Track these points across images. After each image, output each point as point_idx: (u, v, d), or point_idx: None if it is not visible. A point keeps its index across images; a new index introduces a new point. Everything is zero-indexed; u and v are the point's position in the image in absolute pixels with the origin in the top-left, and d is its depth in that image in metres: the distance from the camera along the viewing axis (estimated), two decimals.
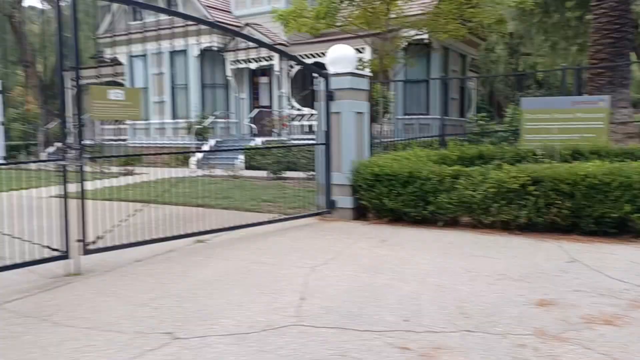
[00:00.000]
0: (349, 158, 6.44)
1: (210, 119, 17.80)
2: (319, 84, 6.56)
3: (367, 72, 6.71)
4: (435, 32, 10.43)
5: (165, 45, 19.24)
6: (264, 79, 18.81)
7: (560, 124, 7.96)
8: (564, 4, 13.72)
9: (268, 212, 6.96)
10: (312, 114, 16.34)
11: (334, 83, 6.45)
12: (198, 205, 7.40)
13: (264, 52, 17.51)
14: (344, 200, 6.53)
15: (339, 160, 6.53)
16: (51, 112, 28.35)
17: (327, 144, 6.54)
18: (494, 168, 5.68)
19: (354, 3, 8.44)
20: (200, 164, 16.74)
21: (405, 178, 5.89)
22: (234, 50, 18.21)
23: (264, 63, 17.79)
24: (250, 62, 18.03)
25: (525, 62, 30.47)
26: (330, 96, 6.46)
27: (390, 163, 6.13)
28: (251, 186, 9.63)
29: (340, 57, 6.47)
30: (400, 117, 17.71)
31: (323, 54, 17.69)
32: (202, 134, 17.73)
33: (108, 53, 21.61)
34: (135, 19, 20.39)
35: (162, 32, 19.04)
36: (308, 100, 17.12)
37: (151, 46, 19.63)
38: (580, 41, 14.09)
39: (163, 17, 19.47)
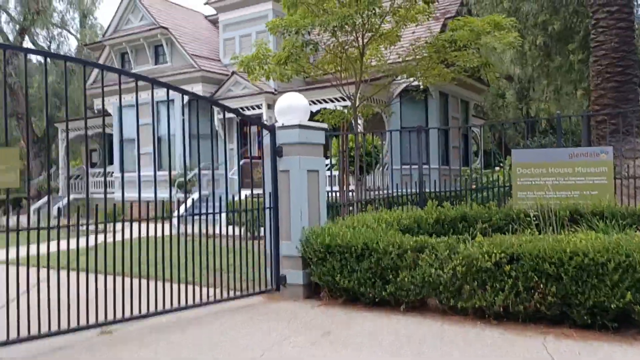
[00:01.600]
0: (300, 224, 5.55)
1: (194, 172, 17.14)
2: (266, 138, 5.78)
3: (321, 124, 5.91)
4: (418, 78, 9.70)
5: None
6: (253, 128, 18.24)
7: (557, 180, 7.04)
8: (566, 47, 13.07)
9: (215, 285, 6.01)
10: None
11: (282, 137, 5.66)
12: (136, 276, 6.49)
13: (251, 100, 17.08)
14: (295, 275, 5.59)
15: (289, 226, 5.64)
16: (43, 164, 28.14)
17: (275, 208, 5.68)
18: (464, 240, 4.74)
19: (319, 48, 7.76)
20: (182, 220, 15.97)
21: (360, 250, 4.97)
22: (223, 99, 17.76)
23: (253, 112, 17.27)
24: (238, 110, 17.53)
25: (537, 107, 29.81)
26: (277, 152, 5.65)
27: (345, 231, 5.22)
28: (215, 248, 8.72)
29: (288, 106, 5.71)
30: (396, 167, 16.93)
31: (313, 102, 17.19)
32: (185, 187, 17.04)
33: (97, 104, 21.42)
34: (122, 67, 20.22)
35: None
36: None
37: (139, 96, 19.35)
38: (586, 85, 13.34)
39: (152, 66, 19.33)
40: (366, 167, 13.38)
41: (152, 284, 5.14)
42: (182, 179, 16.98)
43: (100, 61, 20.85)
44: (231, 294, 5.56)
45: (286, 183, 5.64)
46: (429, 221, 6.44)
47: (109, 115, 20.95)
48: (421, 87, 16.36)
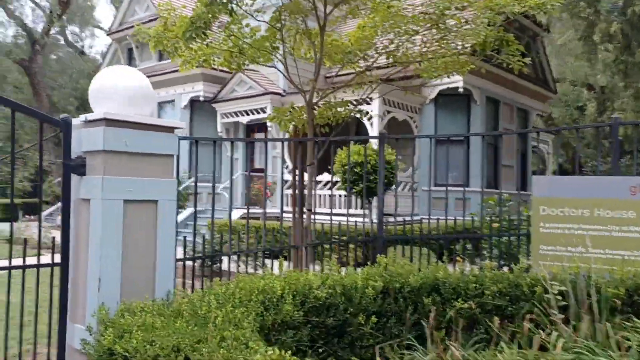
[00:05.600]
0: (97, 297, 3.21)
1: (187, 183, 15.21)
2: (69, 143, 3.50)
3: (168, 120, 3.58)
4: (419, 69, 7.04)
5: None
6: (259, 135, 16.15)
7: (608, 230, 4.27)
8: None
9: None
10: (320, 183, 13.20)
11: (86, 140, 3.36)
12: None
13: (256, 102, 14.98)
14: None
15: (84, 299, 3.32)
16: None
17: (65, 264, 3.38)
18: None
19: (234, 11, 5.29)
20: None
21: None
22: (225, 101, 15.81)
23: (257, 116, 15.15)
24: (242, 114, 15.49)
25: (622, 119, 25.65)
26: (74, 167, 3.36)
27: (150, 323, 2.83)
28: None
29: (99, 89, 3.42)
30: (428, 188, 14.17)
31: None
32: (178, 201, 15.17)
33: None
34: (129, 65, 18.84)
35: (153, 79, 17.23)
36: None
37: (157, 93, 17.83)
38: None
39: (155, 63, 17.77)
40: (369, 188, 10.85)
41: None
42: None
43: (107, 60, 19.68)
44: None
45: (86, 222, 3.33)
46: (368, 293, 3.89)
47: None
48: (459, 89, 13.69)
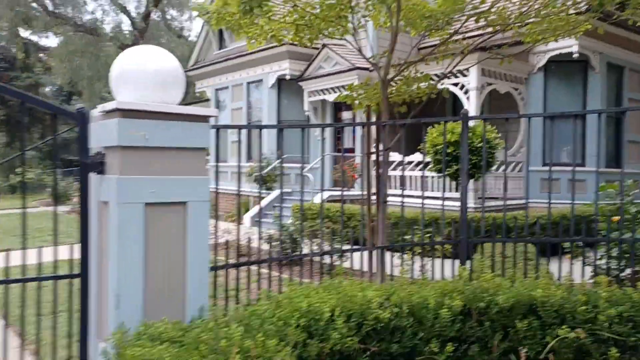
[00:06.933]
0: (117, 316, 2.82)
1: (274, 164, 15.01)
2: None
3: (204, 109, 3.09)
4: (519, 33, 5.96)
5: (244, 75, 17.35)
6: (347, 114, 15.50)
7: None
8: None
9: None
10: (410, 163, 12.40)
11: (103, 134, 2.95)
12: None
13: (344, 79, 14.30)
14: None
15: (105, 314, 2.95)
16: None
17: (85, 275, 3.02)
18: None
19: None
20: (253, 221, 14.03)
21: None
22: (311, 79, 15.31)
23: (344, 93, 14.48)
24: (328, 92, 14.91)
25: None
26: (92, 164, 2.96)
27: (158, 357, 2.36)
28: None
29: (120, 74, 2.98)
30: (536, 168, 12.80)
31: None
32: (265, 182, 15.06)
33: (197, 87, 20.53)
34: (220, 47, 18.99)
35: (242, 59, 17.20)
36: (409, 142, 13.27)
37: (232, 77, 17.93)
38: None
39: (242, 43, 17.67)
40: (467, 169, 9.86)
41: None
42: (259, 173, 14.95)
43: (200, 42, 20.05)
44: None
45: (105, 228, 2.95)
46: (443, 314, 3.17)
47: (207, 100, 19.97)
48: (574, 54, 12.04)
